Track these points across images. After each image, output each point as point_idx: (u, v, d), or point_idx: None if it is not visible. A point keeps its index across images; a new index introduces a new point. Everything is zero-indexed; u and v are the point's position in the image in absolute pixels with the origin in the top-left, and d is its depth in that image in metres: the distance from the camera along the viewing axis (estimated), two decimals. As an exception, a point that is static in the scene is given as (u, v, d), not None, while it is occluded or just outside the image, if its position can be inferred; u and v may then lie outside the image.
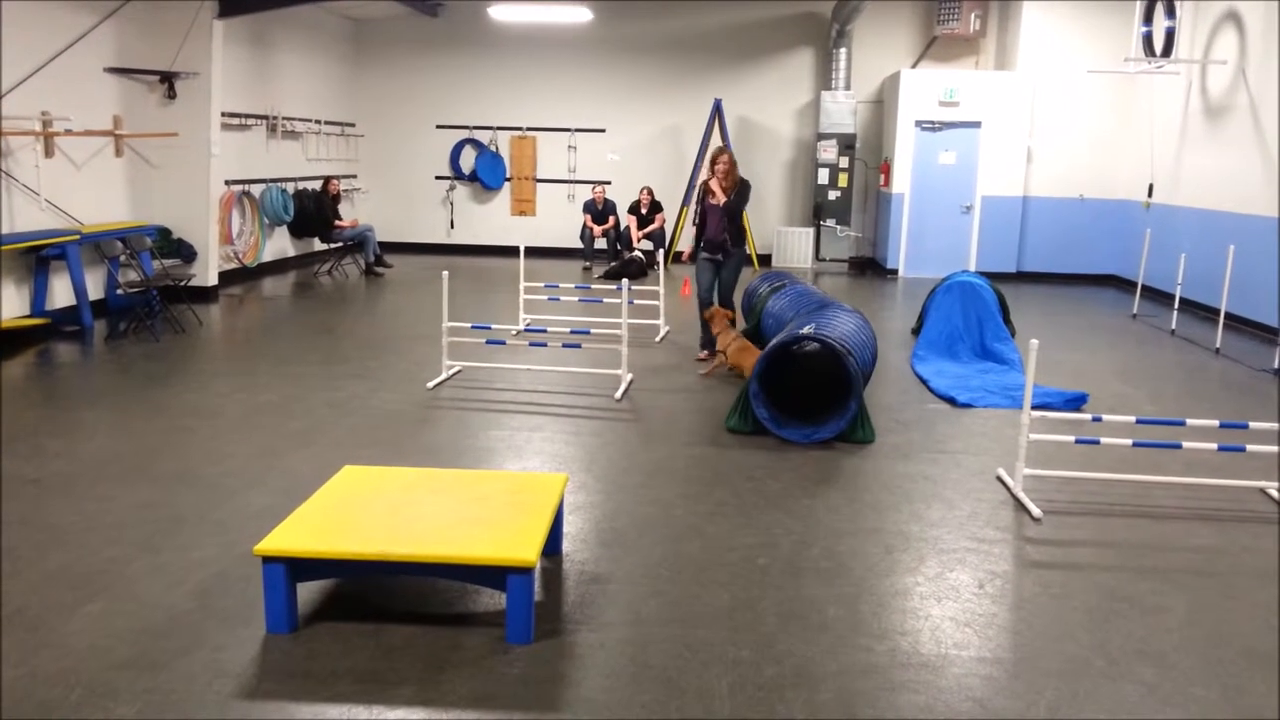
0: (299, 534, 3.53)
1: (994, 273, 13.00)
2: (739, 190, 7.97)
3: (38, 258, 8.60)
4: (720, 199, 7.95)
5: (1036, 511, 4.82)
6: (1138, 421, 5.12)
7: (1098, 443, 5.04)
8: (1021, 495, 4.99)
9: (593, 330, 7.60)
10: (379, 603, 3.75)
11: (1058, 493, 5.12)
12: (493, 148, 15.42)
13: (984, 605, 3.87)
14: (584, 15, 12.94)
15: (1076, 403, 6.81)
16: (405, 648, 3.42)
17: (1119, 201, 13.33)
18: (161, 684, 3.15)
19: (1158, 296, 11.43)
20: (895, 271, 13.91)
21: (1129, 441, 5.07)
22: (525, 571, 3.40)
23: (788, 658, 3.42)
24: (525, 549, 3.42)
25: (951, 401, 6.96)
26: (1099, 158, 13.46)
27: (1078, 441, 5.06)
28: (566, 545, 4.34)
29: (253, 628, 3.52)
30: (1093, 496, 5.09)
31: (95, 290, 9.41)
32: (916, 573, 4.16)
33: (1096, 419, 5.12)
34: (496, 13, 13.02)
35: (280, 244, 13.25)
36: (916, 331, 9.16)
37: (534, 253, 14.56)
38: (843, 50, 13.98)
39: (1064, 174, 13.58)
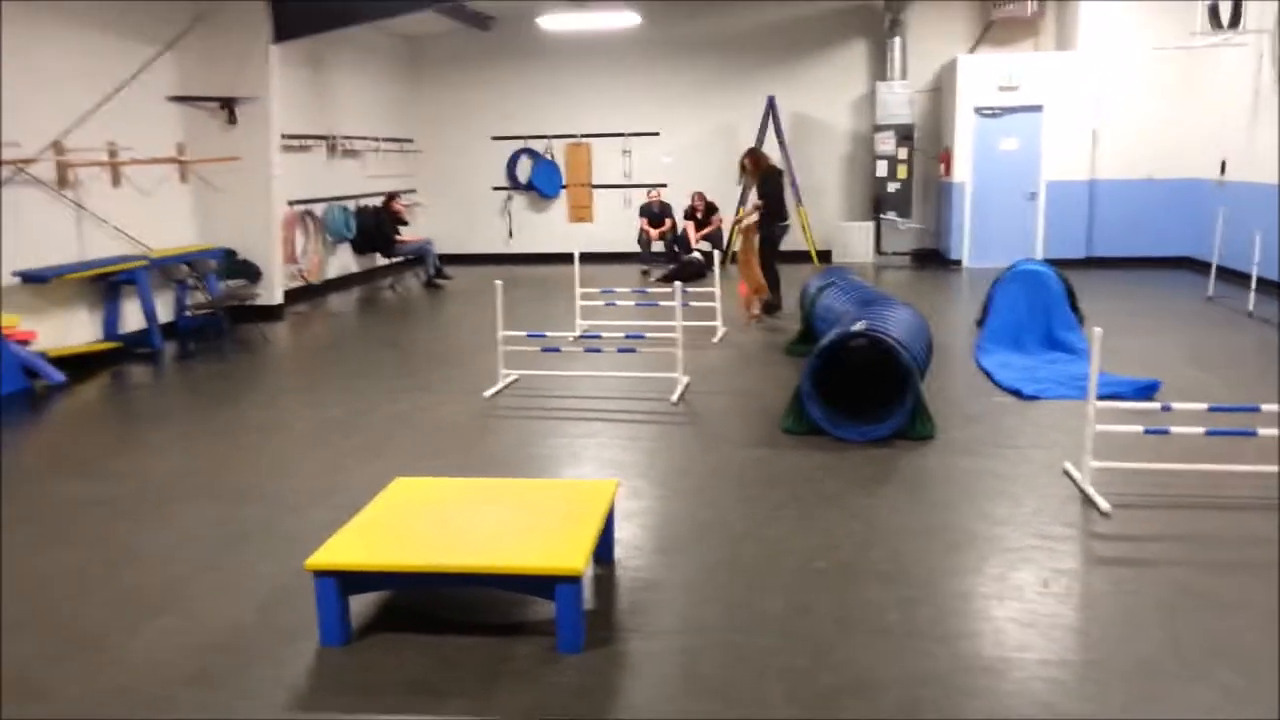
0: (349, 547, 3.57)
1: (1063, 259, 12.62)
2: (762, 178, 9.95)
3: (108, 284, 8.86)
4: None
5: (1105, 506, 4.66)
6: (1209, 409, 4.92)
7: (1167, 432, 4.86)
8: (1089, 489, 4.84)
9: (648, 334, 7.57)
10: (433, 613, 3.77)
11: (1127, 486, 4.94)
12: (548, 156, 15.51)
13: (1049, 605, 3.75)
14: (632, 19, 12.92)
15: (1148, 391, 6.59)
16: (458, 658, 3.42)
17: (1190, 180, 12.88)
18: (220, 699, 3.20)
19: (1234, 277, 11.02)
20: (959, 262, 13.64)
21: (1201, 430, 4.87)
22: (573, 580, 3.38)
23: (846, 665, 3.35)
24: (573, 558, 3.40)
25: (1017, 394, 6.78)
26: (1167, 136, 13.02)
27: (1146, 432, 4.89)
28: (620, 552, 4.31)
29: (311, 641, 3.55)
30: (1164, 489, 4.91)
31: (166, 313, 9.66)
32: (979, 573, 4.05)
33: (1166, 408, 4.94)
34: (546, 23, 13.08)
35: (344, 260, 13.48)
36: (981, 323, 8.95)
37: (593, 258, 14.54)
38: (897, 39, 13.77)
39: (1131, 155, 13.17)
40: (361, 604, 3.79)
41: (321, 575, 3.48)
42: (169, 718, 3.10)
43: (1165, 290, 11.34)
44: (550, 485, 4.26)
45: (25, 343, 7.72)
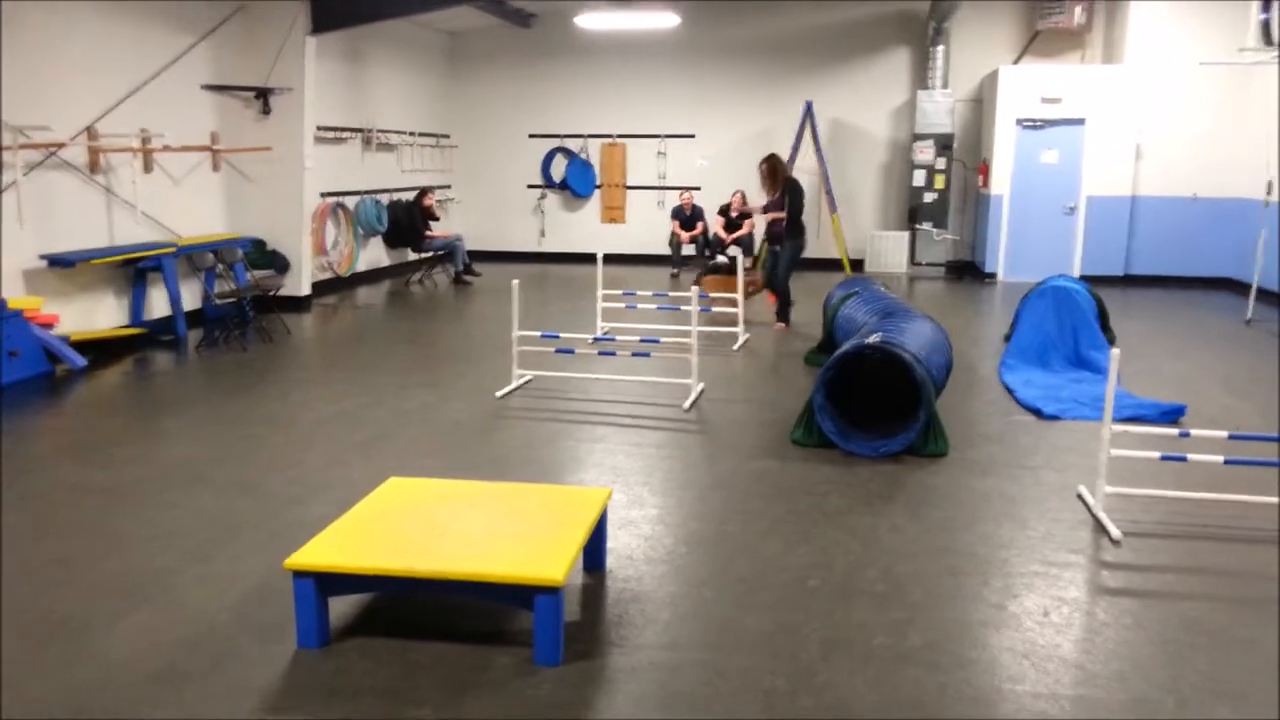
0: (330, 548, 3.52)
1: (1101, 276, 12.42)
2: (787, 190, 9.38)
3: (135, 270, 8.93)
4: (767, 199, 9.64)
5: (1116, 533, 4.51)
6: (1230, 437, 4.74)
7: (1184, 459, 4.69)
8: (1101, 515, 4.68)
9: (666, 339, 7.48)
10: (414, 618, 3.71)
11: (1144, 513, 4.79)
12: (583, 156, 15.47)
13: (1047, 635, 3.62)
14: (671, 20, 12.84)
15: (1172, 415, 6.39)
16: (432, 666, 3.37)
17: (1236, 200, 12.55)
18: (189, 697, 3.16)
19: (1276, 300, 10.72)
20: (994, 275, 13.42)
21: (1220, 458, 4.70)
22: (552, 592, 3.31)
23: (826, 689, 3.25)
24: (553, 568, 3.33)
25: (1037, 413, 6.61)
26: (1213, 154, 12.71)
27: (1163, 458, 4.72)
28: (611, 561, 4.24)
29: (286, 642, 3.51)
30: (1181, 518, 4.74)
31: (193, 301, 9.73)
32: (978, 598, 3.92)
33: (1184, 434, 4.77)
34: (584, 21, 13.03)
35: (375, 254, 13.53)
36: (1009, 339, 8.77)
37: (624, 260, 14.56)
38: (940, 48, 13.57)
39: (1176, 172, 12.87)
40: (345, 604, 3.75)
41: (300, 576, 3.43)
42: (136, 715, 3.07)
43: (1203, 311, 11.06)
44: (542, 491, 4.19)
45: (48, 326, 7.80)
